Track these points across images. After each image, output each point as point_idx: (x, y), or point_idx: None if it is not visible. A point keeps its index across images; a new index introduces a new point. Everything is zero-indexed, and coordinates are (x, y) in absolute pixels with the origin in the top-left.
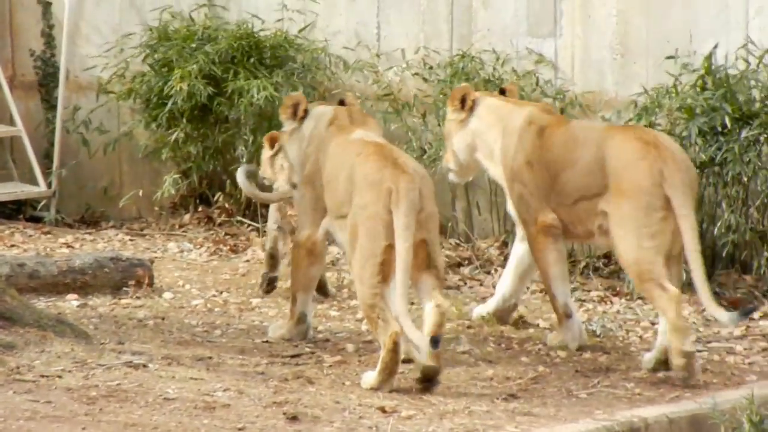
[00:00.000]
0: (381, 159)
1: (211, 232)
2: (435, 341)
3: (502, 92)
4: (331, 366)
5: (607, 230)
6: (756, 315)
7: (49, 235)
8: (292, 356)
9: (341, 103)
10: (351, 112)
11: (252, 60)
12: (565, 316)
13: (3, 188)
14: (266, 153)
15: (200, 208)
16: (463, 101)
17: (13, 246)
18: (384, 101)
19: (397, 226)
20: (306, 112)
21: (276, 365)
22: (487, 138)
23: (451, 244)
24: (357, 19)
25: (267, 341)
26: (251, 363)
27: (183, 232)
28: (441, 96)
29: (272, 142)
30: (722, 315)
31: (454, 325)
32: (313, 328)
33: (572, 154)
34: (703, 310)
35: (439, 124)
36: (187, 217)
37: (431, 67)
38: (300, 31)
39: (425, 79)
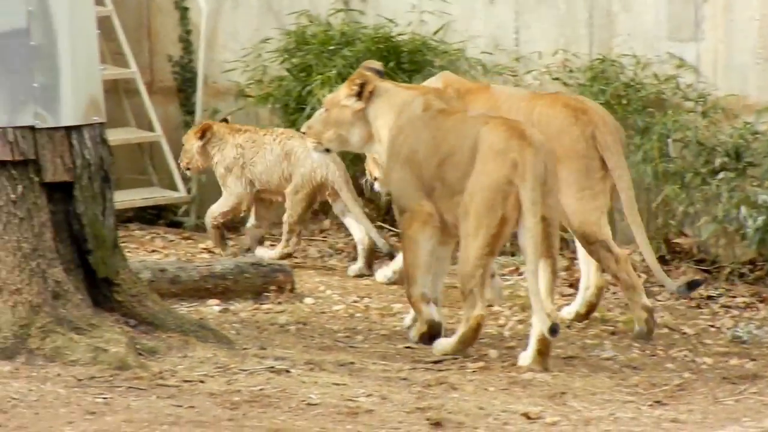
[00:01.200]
0: (508, 129)
1: (351, 237)
2: (554, 330)
3: None
4: (474, 372)
5: None
6: None
7: (189, 241)
8: (435, 362)
9: None
10: (445, 93)
11: (390, 64)
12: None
13: (143, 194)
14: (195, 144)
15: None
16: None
17: (153, 251)
18: None
19: (524, 200)
20: (371, 93)
21: (419, 371)
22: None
23: None
24: (495, 22)
25: (409, 347)
26: (394, 368)
27: (323, 237)
28: None
29: (203, 133)
30: (669, 283)
31: (598, 330)
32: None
33: None
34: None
35: None
36: (327, 222)
37: (571, 71)
38: (435, 33)
39: (565, 84)
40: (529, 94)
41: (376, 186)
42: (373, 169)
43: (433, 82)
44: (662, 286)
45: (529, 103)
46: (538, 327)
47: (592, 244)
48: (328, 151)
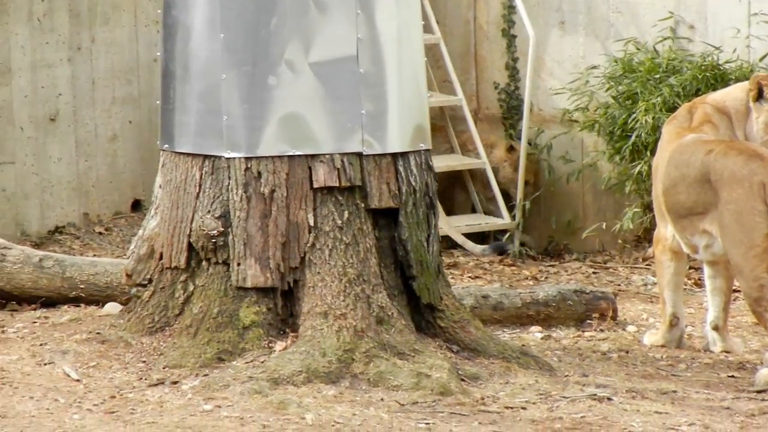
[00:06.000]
0: (742, 153)
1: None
2: None
3: None
4: None
5: None
6: None
7: (513, 267)
8: (759, 391)
9: None
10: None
11: None
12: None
13: (467, 220)
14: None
15: None
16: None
17: (476, 278)
18: None
19: None
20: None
21: (742, 400)
22: None
23: None
24: None
25: (733, 375)
26: (716, 398)
27: (647, 264)
28: None
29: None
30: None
31: None
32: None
33: None
34: None
35: None
36: (650, 250)
37: None
38: (761, 59)
39: None
40: None
41: None
42: None
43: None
44: None
45: None
46: None
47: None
48: None
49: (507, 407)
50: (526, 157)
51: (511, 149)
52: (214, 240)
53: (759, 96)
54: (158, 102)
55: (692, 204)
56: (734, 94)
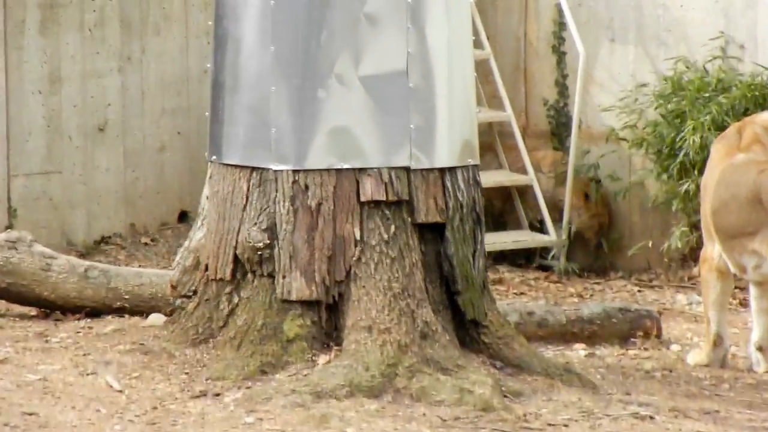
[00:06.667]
0: None
1: None
2: None
3: None
4: None
5: None
6: None
7: (558, 284)
8: None
9: None
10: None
11: None
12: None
13: (514, 236)
14: None
15: None
16: None
17: (522, 294)
18: None
19: None
20: None
21: None
22: None
23: None
24: None
25: None
26: (759, 418)
27: (692, 284)
28: None
29: None
30: None
31: None
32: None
33: None
34: None
35: None
36: (696, 269)
37: None
38: None
39: None
40: None
41: None
42: None
43: None
44: None
45: None
46: None
47: None
48: None
49: (549, 424)
50: (573, 176)
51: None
52: (260, 252)
53: None
54: (207, 113)
55: (743, 224)
56: None
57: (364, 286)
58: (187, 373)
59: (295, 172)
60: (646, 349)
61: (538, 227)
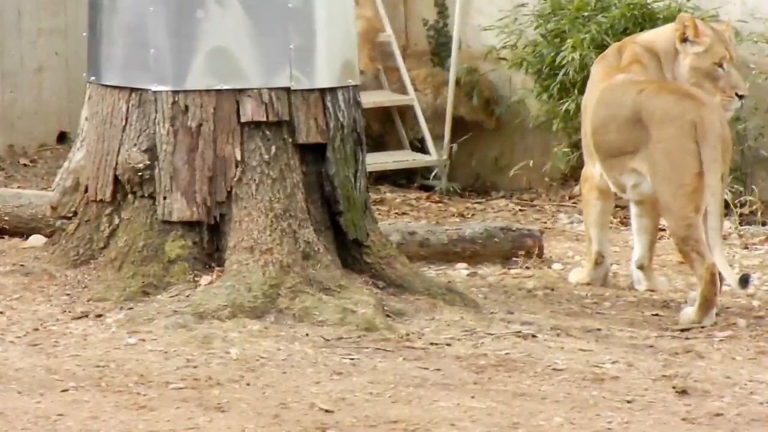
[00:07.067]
0: (673, 92)
1: None
2: (744, 280)
3: None
4: (721, 341)
5: None
6: None
7: (439, 204)
8: (682, 330)
9: None
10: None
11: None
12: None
13: (395, 156)
14: None
15: None
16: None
17: (403, 214)
18: None
19: (705, 158)
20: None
21: (665, 338)
22: None
23: None
24: None
25: (657, 314)
26: (640, 336)
27: (573, 203)
28: None
29: None
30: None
31: None
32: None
33: None
34: None
35: None
36: (577, 188)
37: None
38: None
39: None
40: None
41: None
42: None
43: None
44: None
45: None
46: (732, 281)
47: None
48: None
49: (432, 343)
50: (454, 94)
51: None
52: (140, 173)
53: (685, 38)
54: (85, 34)
55: (622, 143)
56: (664, 34)
57: (245, 207)
58: (68, 295)
59: (174, 92)
60: (528, 268)
61: (419, 147)
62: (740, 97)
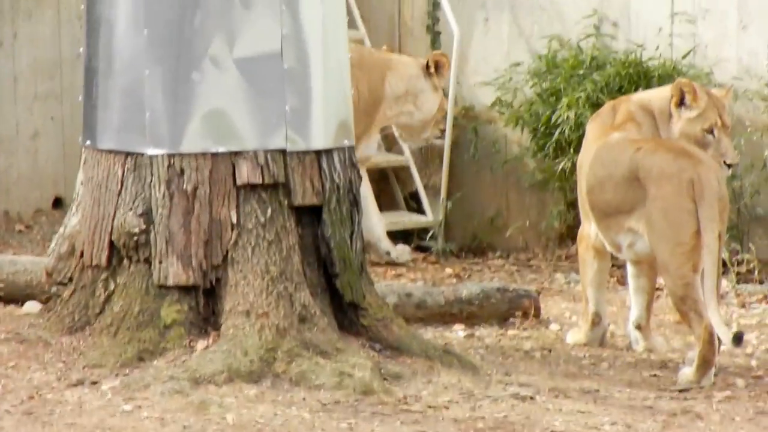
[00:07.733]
0: (671, 150)
1: None
2: (738, 338)
3: None
4: (720, 401)
5: None
6: None
7: (436, 265)
8: (681, 390)
9: None
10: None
11: (639, 89)
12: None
13: (391, 217)
14: None
15: None
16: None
17: (399, 275)
18: None
19: (703, 216)
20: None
21: (664, 399)
22: None
23: None
24: (747, 48)
25: (655, 375)
26: (639, 397)
27: (570, 263)
28: None
29: None
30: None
31: None
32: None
33: None
34: None
35: None
36: (574, 248)
37: None
38: (684, 56)
39: None
40: None
41: None
42: None
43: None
44: None
45: None
46: (725, 339)
47: None
48: None
49: (430, 406)
50: (450, 154)
51: None
52: (135, 238)
53: (681, 102)
54: (80, 98)
55: (619, 202)
56: (661, 93)
57: (241, 270)
58: (63, 362)
59: (170, 156)
60: (525, 328)
61: (415, 208)
62: (729, 165)
